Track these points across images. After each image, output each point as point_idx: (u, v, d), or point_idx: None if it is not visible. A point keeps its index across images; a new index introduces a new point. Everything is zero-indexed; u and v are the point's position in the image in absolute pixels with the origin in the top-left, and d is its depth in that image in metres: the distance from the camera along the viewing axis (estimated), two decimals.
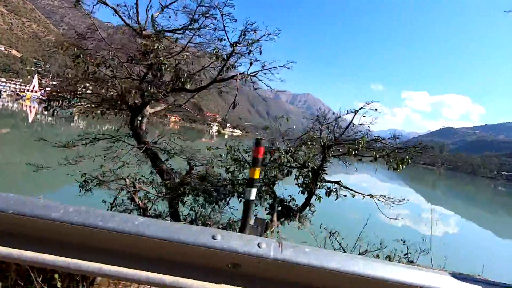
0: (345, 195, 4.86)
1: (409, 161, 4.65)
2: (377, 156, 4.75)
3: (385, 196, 4.86)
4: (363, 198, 4.84)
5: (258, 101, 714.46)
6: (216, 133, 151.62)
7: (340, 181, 5.07)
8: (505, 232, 18.57)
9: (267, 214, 4.90)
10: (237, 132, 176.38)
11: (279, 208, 5.15)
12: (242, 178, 5.26)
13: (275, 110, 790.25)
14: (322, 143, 5.01)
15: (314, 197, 5.12)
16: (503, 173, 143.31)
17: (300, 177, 5.14)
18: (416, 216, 19.74)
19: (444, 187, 55.80)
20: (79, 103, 6.06)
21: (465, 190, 59.00)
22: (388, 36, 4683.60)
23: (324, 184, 5.06)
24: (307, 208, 5.26)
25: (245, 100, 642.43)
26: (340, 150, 5.16)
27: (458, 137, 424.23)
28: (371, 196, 4.82)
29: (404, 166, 4.62)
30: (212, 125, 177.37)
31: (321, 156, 5.08)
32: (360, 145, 4.66)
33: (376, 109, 4.86)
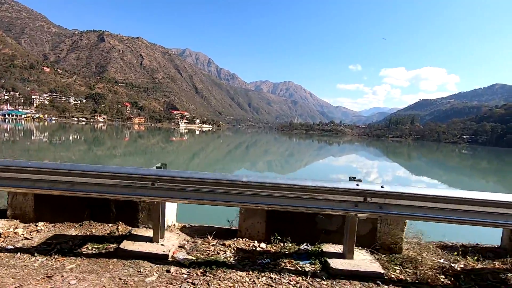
0: None
1: None
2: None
3: None
4: None
5: (238, 94, 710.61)
6: (186, 130, 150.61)
7: None
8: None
9: None
10: (206, 126, 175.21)
11: None
12: None
13: (257, 101, 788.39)
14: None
15: None
16: (465, 136, 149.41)
17: None
18: None
19: (420, 157, 57.75)
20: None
21: (436, 157, 60.92)
22: (361, 17, 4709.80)
23: None
24: None
25: (225, 95, 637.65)
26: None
27: (434, 108, 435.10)
28: None
29: None
30: (179, 123, 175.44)
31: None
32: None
33: None
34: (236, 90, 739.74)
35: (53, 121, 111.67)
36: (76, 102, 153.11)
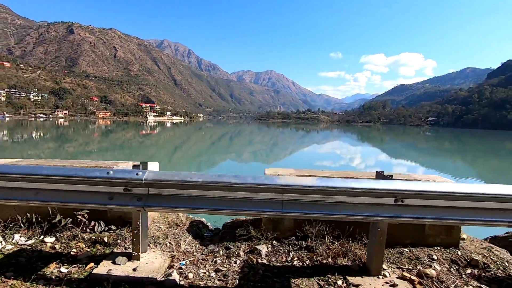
0: None
1: None
2: None
3: None
4: None
5: (220, 85, 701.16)
6: (155, 123, 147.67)
7: None
8: (458, 171, 19.23)
9: None
10: (177, 119, 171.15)
11: None
12: None
13: (239, 91, 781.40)
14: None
15: None
16: (428, 119, 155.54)
17: None
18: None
19: (393, 141, 59.28)
20: None
21: (406, 140, 62.96)
22: (340, 4, 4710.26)
23: None
24: None
25: (206, 86, 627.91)
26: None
27: (409, 92, 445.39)
28: None
29: None
30: (148, 116, 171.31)
31: None
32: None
33: None
34: (217, 81, 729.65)
35: (7, 119, 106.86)
36: (36, 98, 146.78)
